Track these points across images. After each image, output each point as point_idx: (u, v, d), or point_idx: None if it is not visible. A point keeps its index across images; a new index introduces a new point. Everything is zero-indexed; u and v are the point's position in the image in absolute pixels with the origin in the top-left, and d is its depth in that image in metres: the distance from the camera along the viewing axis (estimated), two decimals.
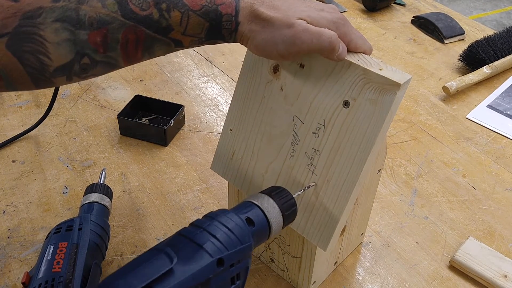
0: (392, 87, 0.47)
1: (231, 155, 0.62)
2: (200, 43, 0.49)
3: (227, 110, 0.62)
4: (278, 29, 0.47)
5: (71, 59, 0.45)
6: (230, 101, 0.62)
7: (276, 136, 0.56)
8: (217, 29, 0.48)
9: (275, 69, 0.55)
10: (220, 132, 0.61)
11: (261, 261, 0.68)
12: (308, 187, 0.53)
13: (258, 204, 0.47)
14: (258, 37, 0.48)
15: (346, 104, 0.50)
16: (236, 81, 0.60)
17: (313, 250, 0.58)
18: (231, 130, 0.61)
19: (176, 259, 0.38)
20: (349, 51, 0.51)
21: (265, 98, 0.57)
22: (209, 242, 0.40)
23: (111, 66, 0.48)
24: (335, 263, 0.67)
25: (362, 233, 0.70)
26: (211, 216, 0.43)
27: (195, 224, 0.43)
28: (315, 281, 0.63)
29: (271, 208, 0.47)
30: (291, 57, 0.49)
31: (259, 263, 0.68)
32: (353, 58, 0.49)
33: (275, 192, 0.49)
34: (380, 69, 0.48)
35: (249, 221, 0.45)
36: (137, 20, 0.45)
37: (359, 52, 0.51)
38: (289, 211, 0.48)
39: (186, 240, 0.40)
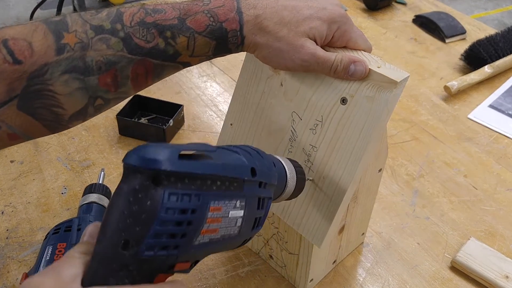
0: (389, 84, 0.47)
1: None
2: (208, 59, 0.50)
3: (227, 109, 0.62)
4: (287, 49, 0.48)
5: (85, 104, 0.46)
6: (229, 101, 0.61)
7: (275, 131, 0.56)
8: (224, 45, 0.48)
9: None
10: (220, 132, 0.61)
11: (260, 257, 0.68)
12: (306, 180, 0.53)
13: (277, 157, 0.48)
14: (265, 50, 0.49)
15: (343, 101, 0.50)
16: (236, 81, 0.60)
17: (310, 247, 0.58)
18: (231, 124, 0.61)
19: (216, 151, 0.38)
20: (349, 48, 0.51)
21: (265, 93, 0.57)
22: (244, 153, 0.41)
23: (122, 98, 0.49)
24: (334, 262, 0.67)
25: (363, 233, 0.70)
26: (243, 144, 0.44)
27: (230, 145, 0.43)
28: (312, 279, 0.63)
29: (288, 164, 0.48)
30: (298, 71, 0.52)
31: (259, 264, 0.68)
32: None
33: (289, 158, 0.50)
34: (378, 67, 0.48)
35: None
36: (143, 53, 0.45)
37: (359, 50, 0.51)
38: (300, 175, 0.49)
39: (222, 148, 0.40)
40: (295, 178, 0.48)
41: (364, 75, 0.48)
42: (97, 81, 0.44)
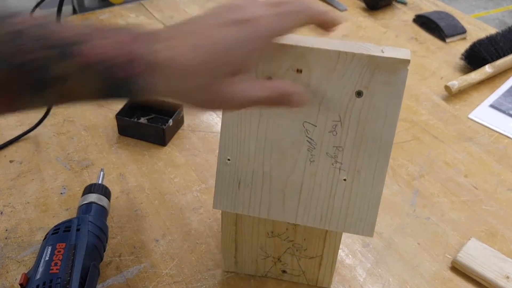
0: (401, 65, 0.48)
1: (237, 185, 0.56)
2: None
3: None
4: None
5: None
6: None
7: (288, 148, 0.53)
8: None
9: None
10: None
11: (268, 277, 0.66)
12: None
13: None
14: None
15: (359, 94, 0.50)
16: None
17: (337, 244, 0.58)
18: (229, 160, 0.56)
19: None
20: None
21: (264, 115, 0.53)
22: None
23: None
24: None
25: None
26: None
27: None
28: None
29: None
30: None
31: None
32: (354, 49, 0.49)
33: None
34: (383, 52, 0.48)
35: None
36: None
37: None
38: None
39: None
40: None
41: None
42: None
